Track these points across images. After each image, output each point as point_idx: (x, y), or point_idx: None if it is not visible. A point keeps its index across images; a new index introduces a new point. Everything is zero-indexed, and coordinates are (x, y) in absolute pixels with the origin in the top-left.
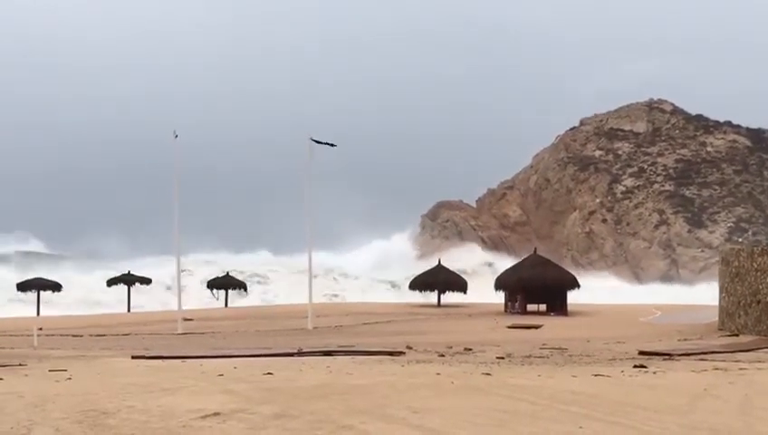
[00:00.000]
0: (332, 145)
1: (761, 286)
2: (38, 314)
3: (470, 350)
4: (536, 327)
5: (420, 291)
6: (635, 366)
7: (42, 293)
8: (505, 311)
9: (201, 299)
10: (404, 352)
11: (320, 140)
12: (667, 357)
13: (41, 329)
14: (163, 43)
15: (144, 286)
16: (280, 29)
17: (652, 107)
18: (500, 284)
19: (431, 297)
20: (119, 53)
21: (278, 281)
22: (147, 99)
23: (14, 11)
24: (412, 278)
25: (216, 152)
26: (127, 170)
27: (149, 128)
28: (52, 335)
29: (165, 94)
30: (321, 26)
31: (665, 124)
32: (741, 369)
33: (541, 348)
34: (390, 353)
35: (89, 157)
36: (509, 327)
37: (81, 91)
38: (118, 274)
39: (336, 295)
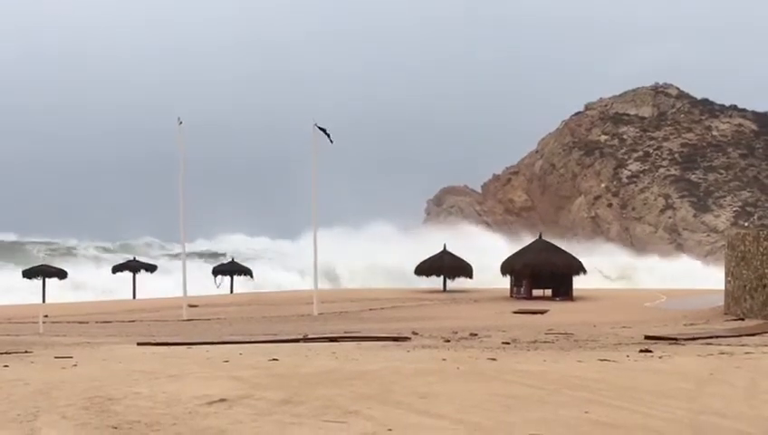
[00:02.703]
0: (329, 137)
1: (767, 270)
2: (44, 300)
3: (476, 335)
4: (542, 312)
5: (426, 276)
6: (641, 351)
7: (47, 280)
8: (511, 296)
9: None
10: (409, 338)
11: (323, 129)
12: (672, 342)
13: (46, 316)
14: (170, 33)
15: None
16: (289, 15)
17: (657, 91)
18: (506, 268)
19: (437, 282)
20: (131, 43)
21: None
22: (152, 87)
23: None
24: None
25: (229, 139)
26: (129, 160)
27: (155, 116)
28: (58, 322)
29: (171, 83)
30: (331, 12)
31: (670, 108)
32: (747, 353)
33: (546, 333)
34: (396, 339)
35: (90, 146)
36: (515, 312)
37: (89, 80)
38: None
39: None
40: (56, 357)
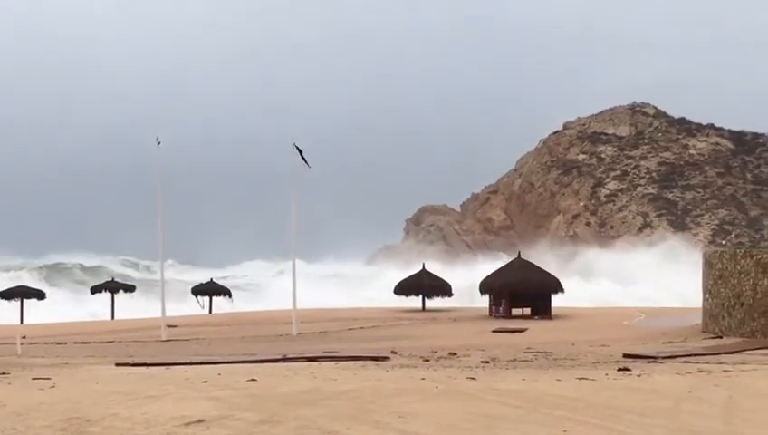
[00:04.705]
0: (303, 158)
1: (744, 288)
2: (21, 322)
3: (455, 354)
4: (521, 331)
5: (405, 295)
6: (619, 369)
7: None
8: (490, 314)
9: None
10: (389, 358)
11: (301, 151)
12: (651, 360)
13: (24, 337)
14: (164, 43)
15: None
16: (274, 26)
17: (635, 110)
18: (484, 287)
19: (416, 301)
20: (125, 51)
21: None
22: (145, 100)
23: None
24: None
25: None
26: (120, 173)
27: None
28: (36, 343)
29: (163, 96)
30: (318, 27)
31: (648, 127)
32: (725, 371)
33: (525, 352)
34: (375, 359)
35: (79, 159)
36: (494, 331)
37: (79, 93)
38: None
39: None
40: (34, 378)
